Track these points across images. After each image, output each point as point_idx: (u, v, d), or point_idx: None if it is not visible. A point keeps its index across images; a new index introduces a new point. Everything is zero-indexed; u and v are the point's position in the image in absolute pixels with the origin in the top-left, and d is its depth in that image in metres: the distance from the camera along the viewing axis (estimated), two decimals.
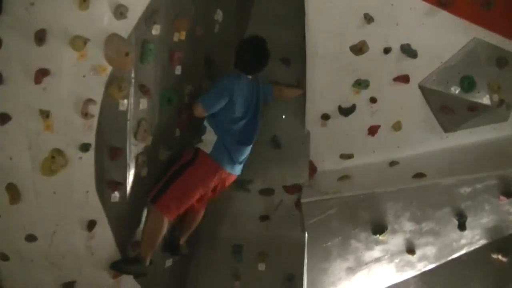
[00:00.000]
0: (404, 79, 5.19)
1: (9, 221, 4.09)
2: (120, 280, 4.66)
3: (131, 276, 4.69)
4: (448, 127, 5.50)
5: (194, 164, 4.68)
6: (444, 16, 4.98)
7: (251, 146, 4.93)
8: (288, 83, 5.20)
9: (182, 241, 5.12)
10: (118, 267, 4.52)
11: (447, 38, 5.11)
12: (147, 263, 4.63)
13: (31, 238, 4.10)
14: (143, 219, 4.70)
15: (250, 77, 4.85)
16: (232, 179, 4.99)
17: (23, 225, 4.09)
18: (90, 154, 4.08)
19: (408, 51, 5.05)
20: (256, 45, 4.80)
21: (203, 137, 4.77)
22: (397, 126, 5.41)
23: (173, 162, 4.79)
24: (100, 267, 4.48)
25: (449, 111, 5.37)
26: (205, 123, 4.79)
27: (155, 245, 4.66)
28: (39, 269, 4.23)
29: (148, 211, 4.66)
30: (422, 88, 5.28)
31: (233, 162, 4.80)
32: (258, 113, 4.96)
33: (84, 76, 3.87)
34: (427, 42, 5.07)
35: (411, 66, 5.15)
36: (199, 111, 4.63)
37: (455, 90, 5.24)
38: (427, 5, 4.92)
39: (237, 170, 4.92)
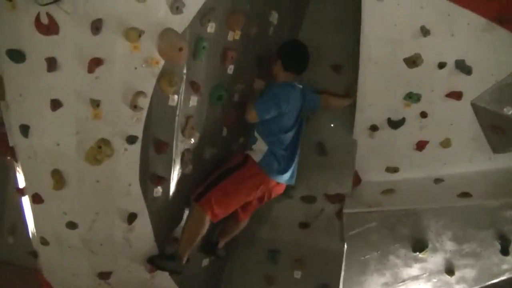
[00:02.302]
0: (456, 95, 5.07)
1: (52, 206, 4.17)
2: (156, 276, 4.69)
3: (166, 273, 4.69)
4: (497, 147, 5.35)
5: (242, 170, 4.70)
6: (501, 33, 4.80)
7: (297, 154, 4.92)
8: (337, 91, 5.15)
9: (221, 244, 5.12)
10: (154, 262, 4.54)
11: (503, 56, 4.94)
12: (184, 261, 4.64)
13: (71, 225, 4.17)
14: (184, 216, 4.71)
15: (300, 86, 4.86)
16: (280, 189, 4.99)
17: (65, 212, 4.16)
18: (137, 147, 4.09)
19: (463, 67, 4.93)
20: (298, 43, 4.91)
21: (253, 146, 4.78)
22: (445, 143, 5.29)
23: (219, 162, 4.81)
24: (137, 260, 4.52)
25: (500, 132, 5.23)
26: (256, 134, 4.80)
27: (194, 244, 4.66)
28: (77, 256, 4.29)
29: (190, 210, 4.67)
30: (474, 106, 5.16)
31: (281, 171, 4.80)
32: (302, 122, 4.97)
33: (136, 68, 3.88)
34: (483, 59, 4.92)
35: (464, 82, 5.00)
36: (252, 115, 4.63)
37: (508, 110, 5.10)
38: (485, 21, 4.77)
39: (285, 179, 4.88)
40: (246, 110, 4.69)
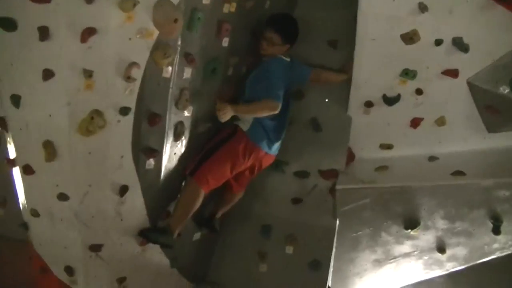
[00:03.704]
0: (453, 73, 5.03)
1: (43, 178, 4.13)
2: (147, 249, 4.65)
3: (158, 246, 4.67)
4: (492, 127, 5.33)
5: (232, 141, 4.68)
6: (501, 12, 4.75)
7: (286, 125, 4.92)
8: (333, 66, 5.11)
9: (219, 214, 5.13)
10: (146, 235, 4.51)
11: (501, 35, 4.90)
12: (175, 235, 4.62)
13: (63, 197, 4.13)
14: (177, 189, 4.67)
15: (288, 59, 4.84)
16: (269, 160, 4.96)
17: (56, 183, 4.12)
18: (129, 118, 4.04)
19: (460, 44, 4.88)
20: (289, 15, 4.93)
21: (240, 116, 4.73)
22: (440, 121, 5.27)
23: (212, 136, 4.77)
24: (128, 233, 4.48)
25: (495, 111, 5.20)
26: (242, 103, 4.77)
27: (187, 217, 4.65)
28: (68, 228, 4.26)
29: (185, 184, 4.65)
30: (470, 84, 5.12)
31: (269, 141, 4.78)
32: (290, 96, 4.95)
33: (130, 39, 3.81)
34: (480, 37, 4.87)
35: (461, 60, 4.96)
36: (275, 105, 4.56)
37: (504, 90, 5.07)
38: None
39: (274, 149, 4.88)
40: (264, 107, 4.58)
